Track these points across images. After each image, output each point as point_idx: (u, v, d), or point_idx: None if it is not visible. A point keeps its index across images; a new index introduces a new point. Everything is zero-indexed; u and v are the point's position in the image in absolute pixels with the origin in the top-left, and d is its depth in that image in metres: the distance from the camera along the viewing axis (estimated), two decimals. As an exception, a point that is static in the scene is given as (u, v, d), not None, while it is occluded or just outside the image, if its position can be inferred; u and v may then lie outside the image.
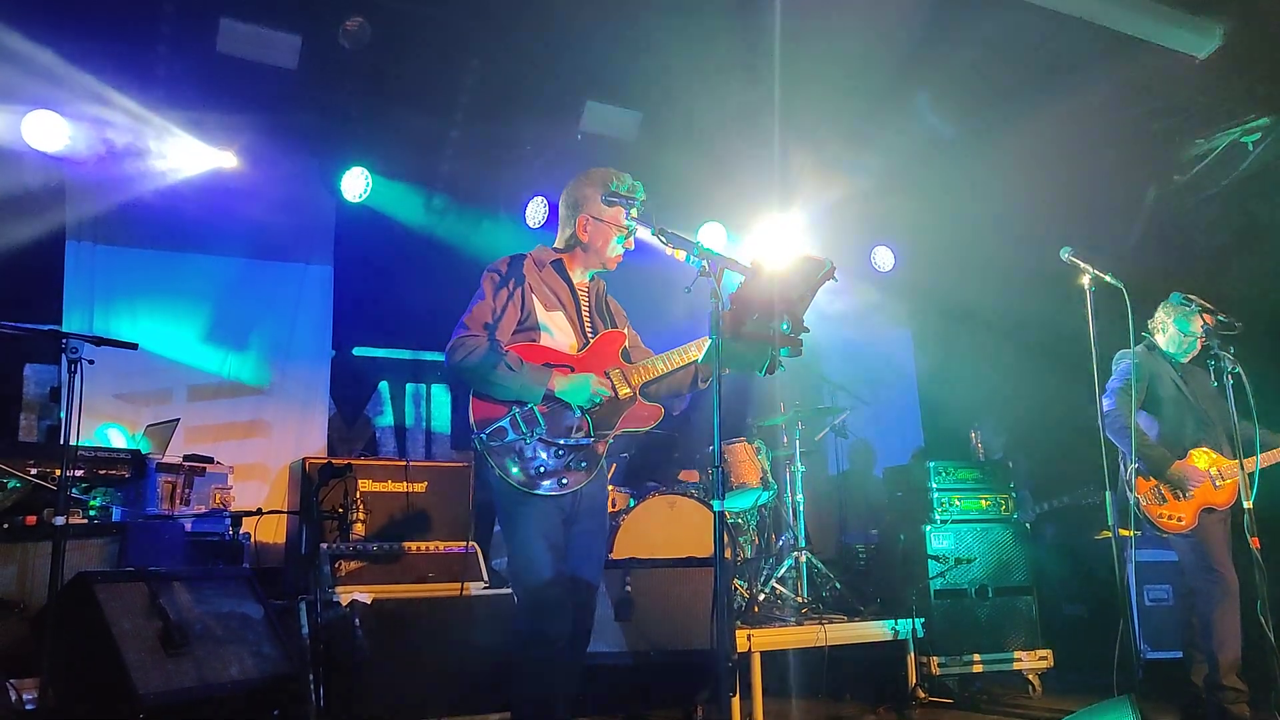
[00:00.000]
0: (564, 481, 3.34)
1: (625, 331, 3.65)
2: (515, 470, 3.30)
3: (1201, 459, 4.68)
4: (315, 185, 6.30)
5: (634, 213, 3.44)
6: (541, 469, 3.32)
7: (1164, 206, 6.71)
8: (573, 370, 3.42)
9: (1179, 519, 4.60)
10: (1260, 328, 5.00)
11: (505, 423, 3.31)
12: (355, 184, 6.29)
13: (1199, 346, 4.82)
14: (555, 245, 3.65)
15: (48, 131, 5.39)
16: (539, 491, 3.31)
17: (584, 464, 3.39)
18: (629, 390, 3.46)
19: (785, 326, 3.19)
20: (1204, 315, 4.77)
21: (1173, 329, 4.86)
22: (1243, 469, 4.41)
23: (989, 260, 7.18)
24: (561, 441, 3.35)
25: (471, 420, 3.34)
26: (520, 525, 3.34)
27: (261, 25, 5.27)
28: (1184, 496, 4.60)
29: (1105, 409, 4.81)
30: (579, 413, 3.39)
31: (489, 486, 3.40)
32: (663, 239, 3.20)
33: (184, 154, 5.79)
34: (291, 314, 6.53)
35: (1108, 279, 4.18)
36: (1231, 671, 4.45)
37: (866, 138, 6.51)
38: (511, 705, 3.42)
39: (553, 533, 3.34)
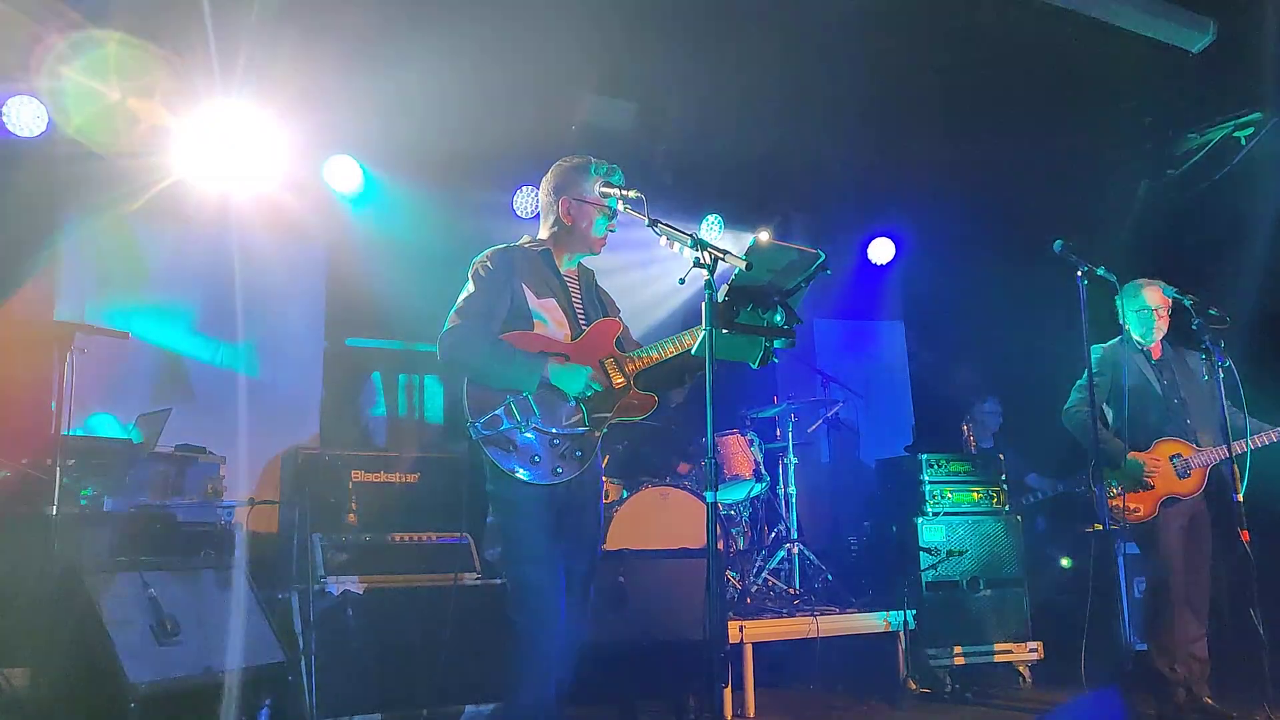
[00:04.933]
0: (558, 470, 3.33)
1: (619, 320, 3.65)
2: (510, 459, 3.30)
3: (1165, 448, 4.68)
4: (308, 176, 6.27)
5: (625, 207, 3.42)
6: (536, 458, 3.32)
7: (1156, 200, 6.73)
8: (567, 358, 3.42)
9: (1136, 509, 4.63)
10: (1252, 322, 5.03)
11: (500, 411, 3.30)
12: (347, 175, 6.27)
13: (1159, 320, 4.78)
14: (540, 235, 3.65)
15: (31, 117, 5.36)
16: (533, 481, 3.31)
17: (579, 453, 3.39)
18: (623, 379, 3.46)
19: (779, 318, 3.20)
20: (1154, 288, 4.77)
21: (1129, 313, 4.85)
22: (1232, 458, 4.42)
23: (983, 252, 7.19)
24: (556, 430, 3.35)
25: (466, 409, 3.33)
26: (514, 515, 3.35)
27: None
28: (1141, 488, 4.61)
29: (1067, 405, 4.88)
30: (574, 401, 3.39)
31: (483, 476, 3.40)
32: (657, 231, 3.20)
33: (174, 143, 5.76)
34: (284, 304, 6.51)
35: (1100, 272, 4.20)
36: (1164, 657, 4.51)
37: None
38: (504, 695, 3.42)
39: (547, 522, 3.34)
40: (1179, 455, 4.67)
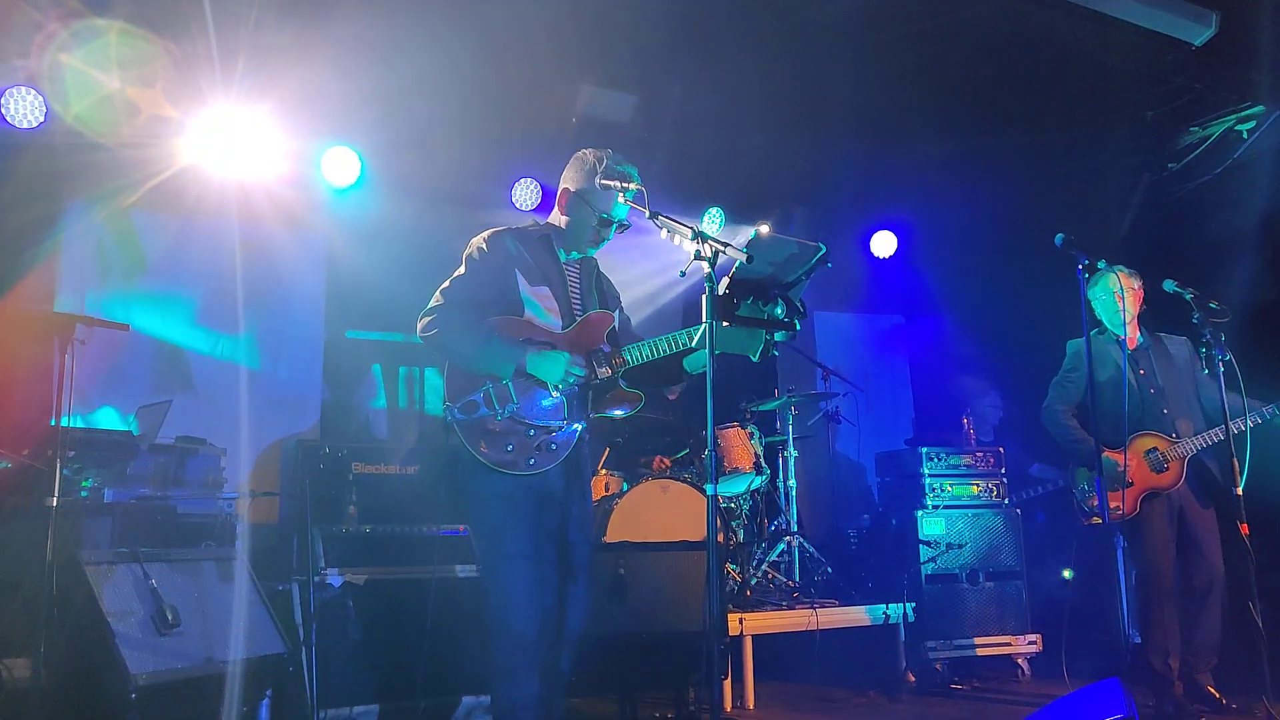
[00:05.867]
0: (532, 462, 3.26)
1: (614, 314, 3.58)
2: (485, 447, 3.23)
3: (1141, 444, 4.65)
4: (308, 167, 6.26)
5: (625, 197, 3.38)
6: (510, 448, 3.24)
7: (1157, 194, 6.72)
8: (552, 347, 3.34)
9: (1116, 508, 4.58)
10: (1253, 316, 5.02)
11: (478, 397, 3.25)
12: (345, 166, 6.25)
13: (1122, 304, 4.68)
14: (547, 221, 3.61)
15: (30, 108, 5.36)
16: (508, 471, 3.24)
17: (554, 445, 3.31)
18: (609, 373, 3.39)
19: (780, 311, 3.20)
20: (1118, 273, 4.70)
21: (1095, 301, 4.79)
22: (1232, 451, 4.39)
23: (984, 246, 7.19)
24: (534, 421, 3.28)
25: (444, 393, 3.27)
26: (486, 506, 3.28)
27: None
28: (1120, 486, 4.57)
29: (1045, 404, 4.86)
30: (554, 393, 3.33)
31: (456, 462, 3.32)
32: (658, 224, 3.17)
33: (174, 134, 5.75)
34: (284, 296, 6.51)
35: (1101, 265, 4.20)
36: (1156, 652, 4.51)
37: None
38: (490, 690, 3.39)
39: (522, 515, 3.27)
40: (1154, 450, 4.63)
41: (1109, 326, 4.81)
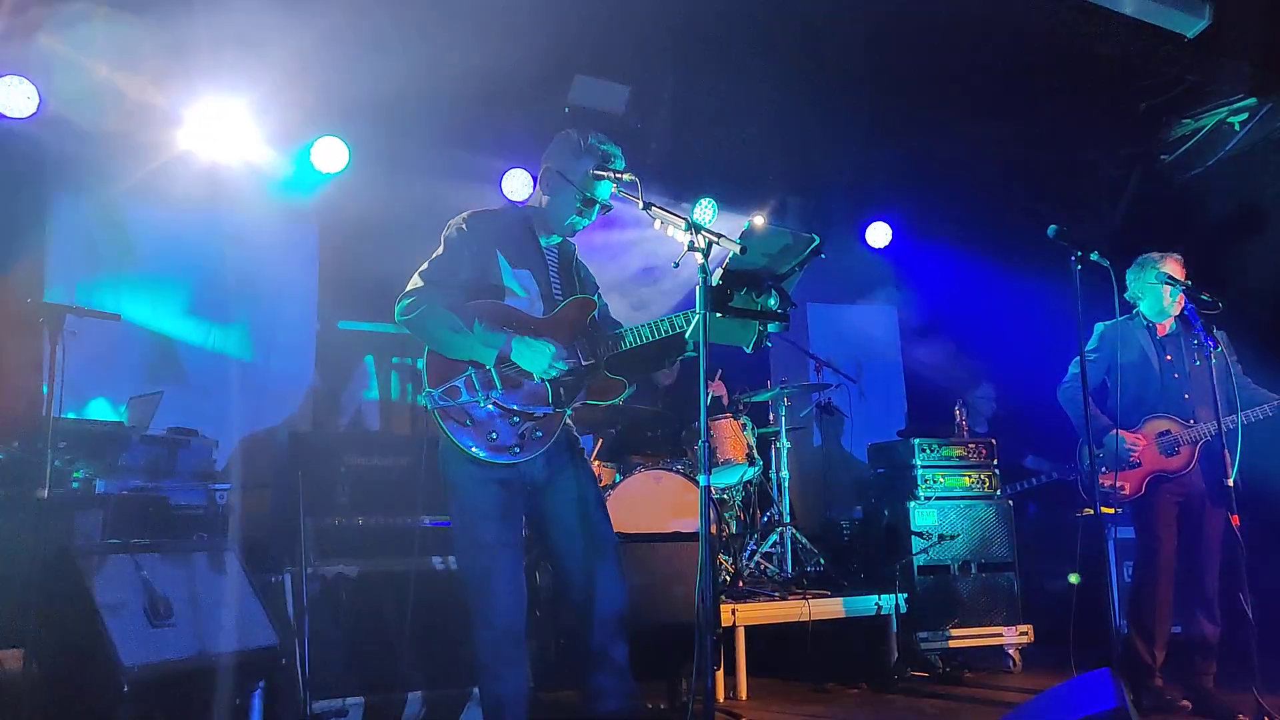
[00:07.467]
0: (516, 450, 3.22)
1: (595, 299, 3.52)
2: (466, 434, 3.18)
3: (1154, 426, 4.65)
4: (299, 157, 6.23)
5: (619, 189, 3.34)
6: (494, 435, 3.19)
7: (1150, 185, 6.73)
8: (535, 332, 3.29)
9: (1122, 487, 4.60)
10: (1246, 306, 5.02)
11: (460, 382, 3.19)
12: (334, 156, 6.21)
13: (1181, 296, 4.66)
14: (527, 204, 3.57)
15: (22, 98, 5.32)
16: (490, 459, 3.19)
17: (540, 433, 3.26)
18: (594, 360, 3.34)
19: (773, 301, 3.20)
20: (1174, 259, 4.68)
21: (1145, 285, 4.76)
22: (1223, 441, 4.39)
23: (977, 237, 7.20)
24: (517, 408, 3.23)
25: (425, 377, 3.22)
26: (468, 494, 3.24)
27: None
28: (1127, 466, 4.58)
29: (1064, 380, 4.87)
30: (539, 379, 3.27)
31: (437, 449, 3.28)
32: (651, 214, 3.15)
33: (163, 123, 5.72)
34: (276, 287, 6.48)
35: (1094, 257, 4.20)
36: (1142, 638, 4.53)
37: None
38: (478, 682, 3.38)
39: (504, 504, 3.24)
40: (1167, 432, 4.63)
41: (1147, 314, 4.78)
